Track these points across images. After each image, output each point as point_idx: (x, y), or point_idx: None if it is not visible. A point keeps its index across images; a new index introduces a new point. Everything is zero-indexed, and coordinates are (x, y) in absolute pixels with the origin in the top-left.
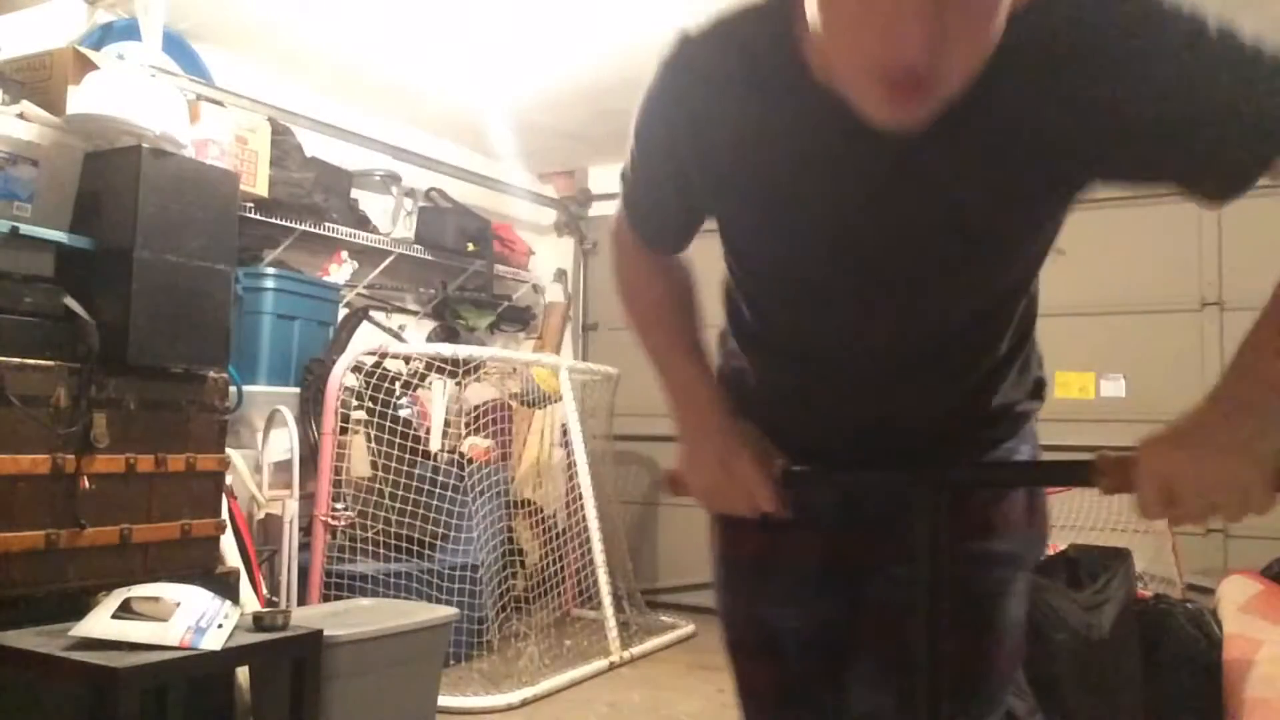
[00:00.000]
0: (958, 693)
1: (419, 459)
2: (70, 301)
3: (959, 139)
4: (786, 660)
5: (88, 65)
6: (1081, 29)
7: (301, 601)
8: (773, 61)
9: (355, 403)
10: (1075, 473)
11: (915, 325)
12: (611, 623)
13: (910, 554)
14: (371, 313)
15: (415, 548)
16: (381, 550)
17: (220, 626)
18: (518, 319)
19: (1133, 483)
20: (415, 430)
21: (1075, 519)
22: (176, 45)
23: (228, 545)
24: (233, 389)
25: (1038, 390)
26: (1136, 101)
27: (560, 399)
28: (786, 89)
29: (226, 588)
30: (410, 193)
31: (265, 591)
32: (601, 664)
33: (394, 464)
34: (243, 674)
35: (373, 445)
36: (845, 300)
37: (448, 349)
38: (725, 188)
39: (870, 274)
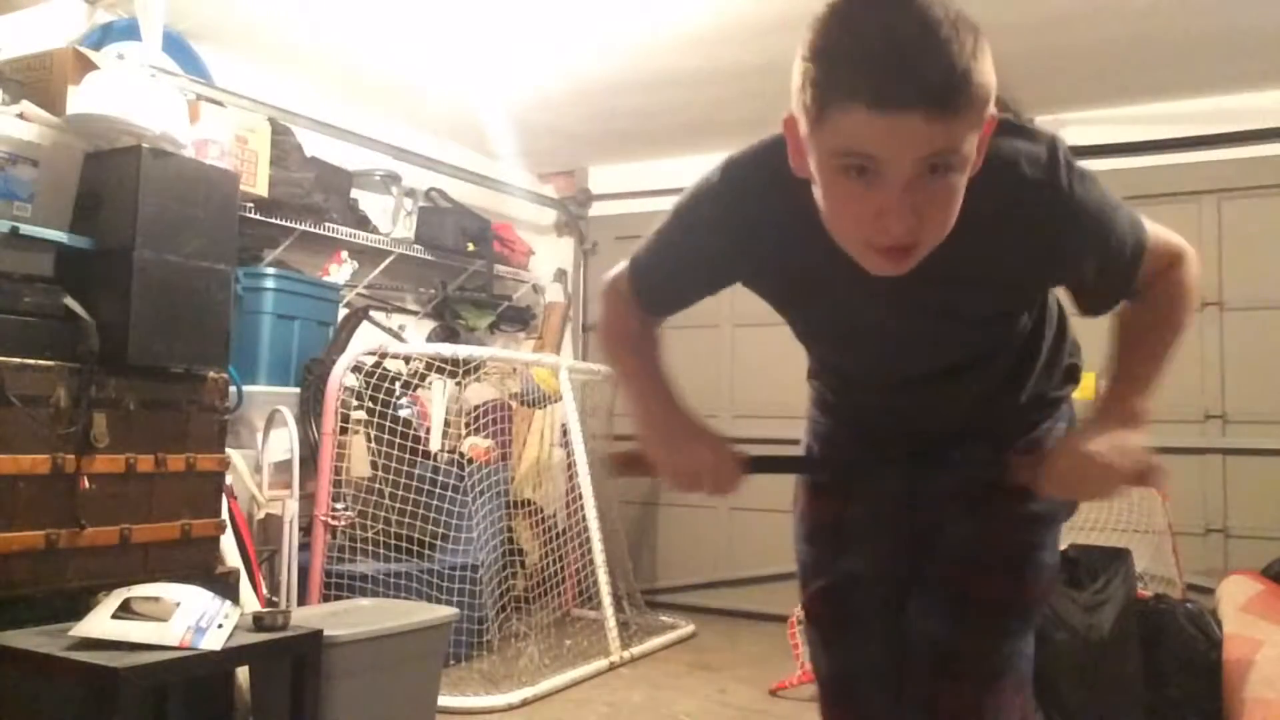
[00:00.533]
0: (997, 616)
1: (419, 459)
2: (70, 301)
3: (942, 264)
4: (856, 595)
5: (88, 65)
6: (1019, 204)
7: (301, 601)
8: (791, 214)
9: (355, 403)
10: (992, 469)
11: (938, 365)
12: (611, 623)
13: (958, 513)
14: (371, 313)
15: (415, 548)
16: (381, 550)
17: (220, 626)
18: (518, 319)
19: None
20: (415, 430)
21: (1075, 519)
22: (176, 45)
23: (228, 545)
24: (233, 389)
25: (1070, 375)
26: (1048, 253)
27: (560, 399)
28: (813, 240)
29: (226, 588)
30: (410, 193)
31: (265, 591)
32: (601, 664)
33: (394, 464)
34: (243, 674)
35: (373, 445)
36: (884, 357)
37: (448, 349)
38: (777, 291)
39: (899, 342)
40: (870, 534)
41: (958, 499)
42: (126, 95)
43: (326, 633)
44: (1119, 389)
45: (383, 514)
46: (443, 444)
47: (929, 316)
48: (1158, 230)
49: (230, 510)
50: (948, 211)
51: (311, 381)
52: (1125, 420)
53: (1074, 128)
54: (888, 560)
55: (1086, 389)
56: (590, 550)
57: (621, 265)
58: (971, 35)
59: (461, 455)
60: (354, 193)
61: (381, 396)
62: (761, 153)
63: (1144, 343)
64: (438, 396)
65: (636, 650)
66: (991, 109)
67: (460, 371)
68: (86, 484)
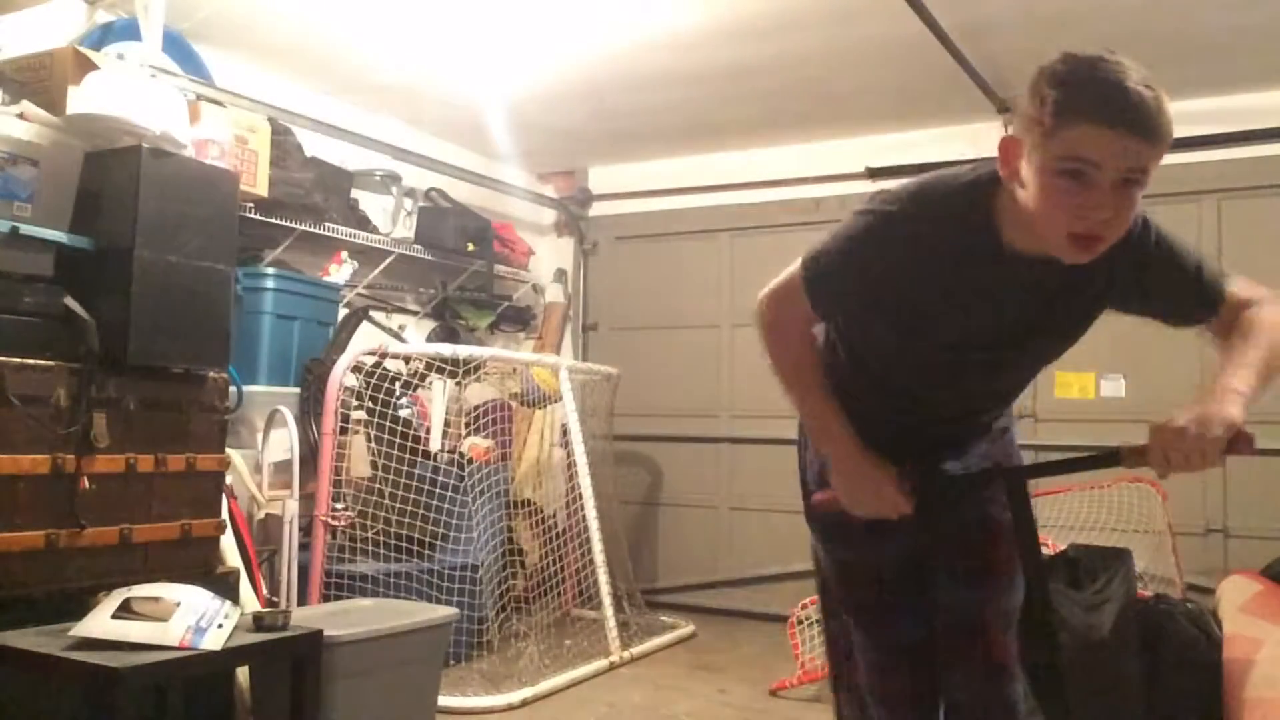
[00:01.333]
0: (1008, 575)
1: (419, 459)
2: (70, 301)
3: (1074, 276)
4: (887, 580)
5: (88, 65)
6: (1142, 246)
7: (301, 601)
8: (978, 236)
9: (355, 403)
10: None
11: (1001, 385)
12: (611, 623)
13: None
14: (371, 313)
15: (415, 548)
16: (381, 550)
17: (220, 626)
18: (518, 319)
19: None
20: (415, 430)
21: (1075, 519)
22: (176, 45)
23: (228, 545)
24: (233, 389)
25: None
26: (1159, 284)
27: (560, 399)
28: (988, 255)
29: (226, 588)
30: (410, 193)
31: (265, 591)
32: (601, 664)
33: (394, 464)
34: (243, 674)
35: (373, 445)
36: (968, 370)
37: (448, 349)
38: (924, 302)
39: (996, 354)
40: (899, 526)
41: (962, 491)
42: (126, 95)
43: (326, 633)
44: (1219, 379)
45: (383, 514)
46: (443, 444)
47: (1043, 322)
48: (1241, 277)
49: (230, 510)
50: (1128, 216)
51: (311, 381)
52: (1217, 398)
53: None
54: (914, 547)
55: (1085, 389)
56: (590, 550)
57: (787, 274)
58: (1165, 95)
59: (461, 455)
60: (354, 193)
61: (381, 396)
62: (952, 187)
63: (1235, 349)
64: (438, 396)
65: (636, 650)
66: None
67: (460, 371)
68: (86, 484)
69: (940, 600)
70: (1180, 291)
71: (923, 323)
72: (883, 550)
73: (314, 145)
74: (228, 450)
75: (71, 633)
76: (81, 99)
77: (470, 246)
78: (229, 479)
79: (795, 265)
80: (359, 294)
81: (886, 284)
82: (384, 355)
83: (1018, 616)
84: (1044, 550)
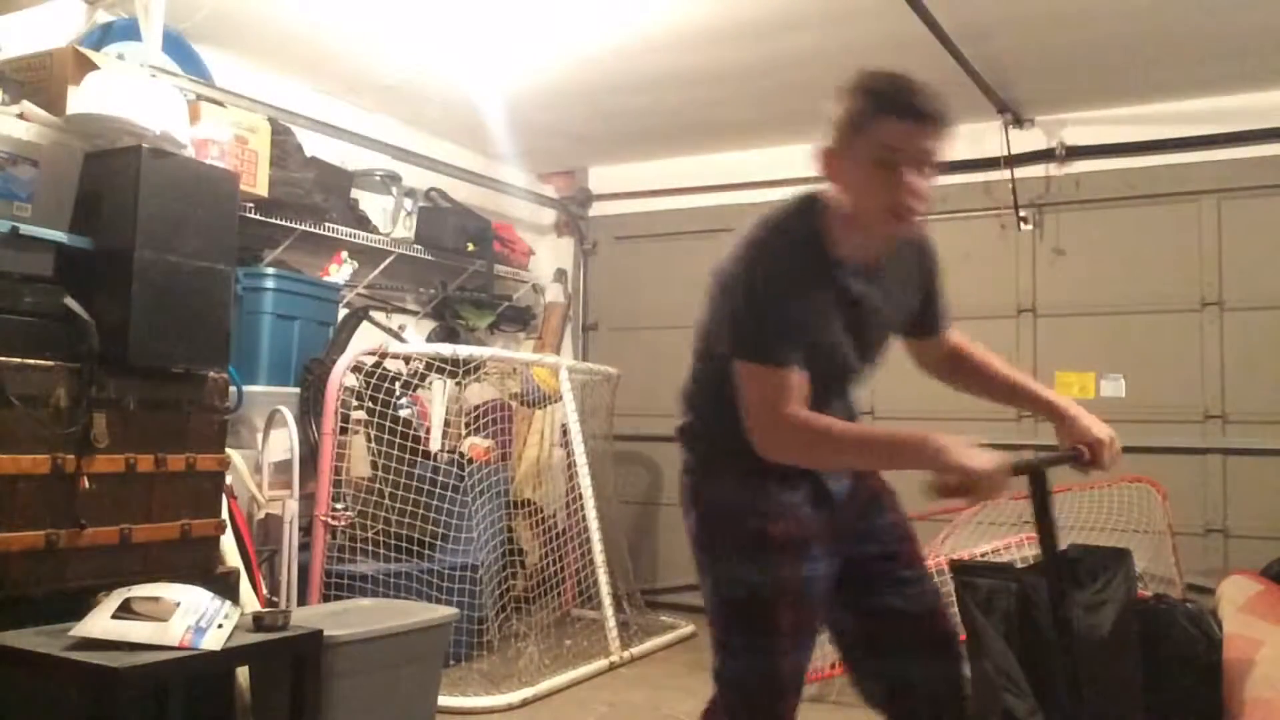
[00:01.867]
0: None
1: (419, 459)
2: (70, 301)
3: (891, 280)
4: (814, 601)
5: (88, 65)
6: (925, 246)
7: (301, 601)
8: (814, 249)
9: (355, 403)
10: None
11: (869, 364)
12: (611, 623)
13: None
14: (371, 313)
15: (415, 548)
16: (381, 550)
17: (220, 626)
18: (518, 319)
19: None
20: (415, 430)
21: (1075, 519)
22: (176, 45)
23: (228, 545)
24: (233, 389)
25: None
26: (932, 279)
27: (560, 399)
28: (821, 264)
29: (226, 588)
30: (410, 193)
31: (265, 591)
32: (601, 664)
33: (394, 464)
34: (243, 674)
35: (373, 445)
36: (849, 355)
37: (448, 349)
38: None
39: (861, 347)
40: (822, 545)
41: (872, 501)
42: (126, 95)
43: (326, 633)
44: (1049, 397)
45: (383, 514)
46: (443, 444)
47: (882, 319)
48: None
49: (230, 510)
50: (927, 195)
51: (311, 381)
52: (1083, 413)
53: (1074, 128)
54: (838, 561)
55: (1085, 389)
56: (590, 550)
57: (760, 385)
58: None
59: (461, 455)
60: (354, 193)
61: (381, 396)
62: (784, 215)
63: (1001, 369)
64: (438, 396)
65: (636, 650)
66: None
67: (460, 371)
68: (86, 484)
69: (883, 603)
70: (940, 302)
71: (820, 341)
72: (816, 569)
73: (314, 145)
74: (228, 450)
75: (71, 633)
76: (81, 99)
77: (470, 246)
78: (229, 479)
79: (757, 369)
80: (359, 294)
81: (818, 305)
82: (384, 355)
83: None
84: None
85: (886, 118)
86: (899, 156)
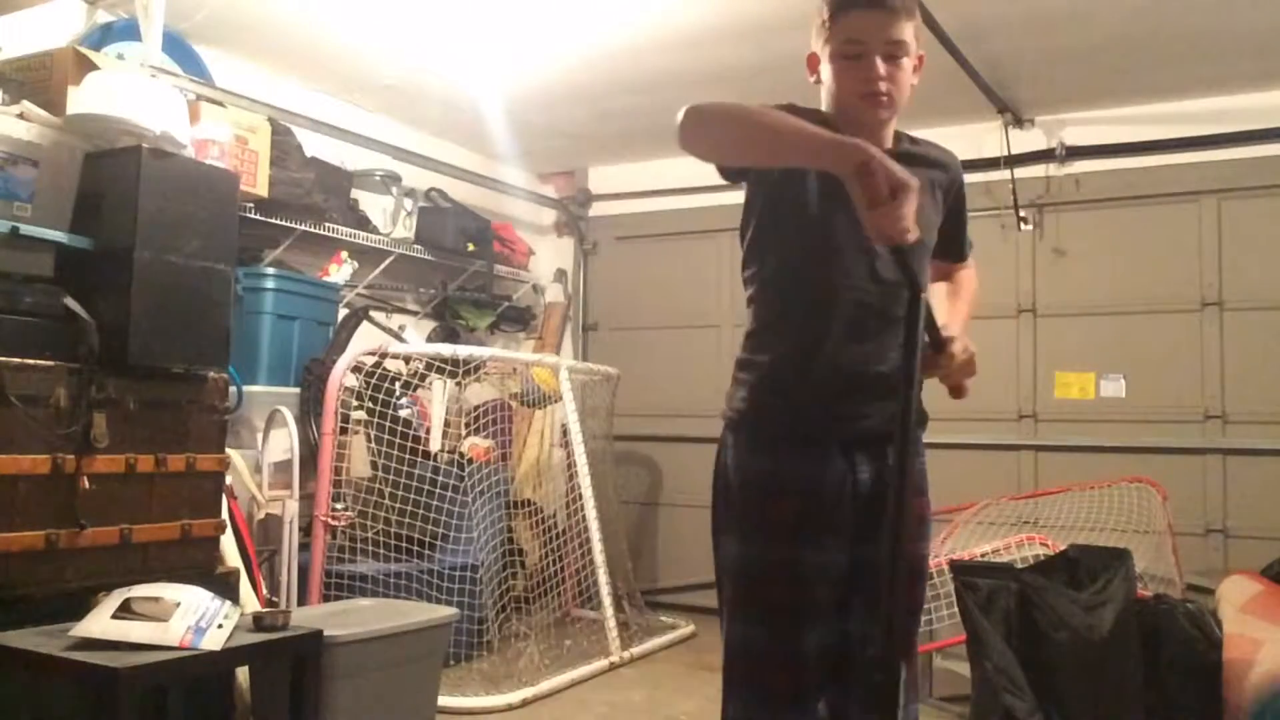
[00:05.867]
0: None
1: (419, 459)
2: (70, 301)
3: (905, 166)
4: (811, 587)
5: (88, 65)
6: (947, 159)
7: (301, 601)
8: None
9: (355, 403)
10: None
11: (886, 277)
12: (611, 623)
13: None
14: (371, 313)
15: (415, 548)
16: (381, 550)
17: (220, 626)
18: (518, 319)
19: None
20: (415, 430)
21: (1075, 519)
22: (176, 45)
23: (228, 545)
24: (233, 389)
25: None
26: (956, 196)
27: (560, 399)
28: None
29: (226, 588)
30: (410, 193)
31: (265, 591)
32: (601, 664)
33: (394, 464)
34: (243, 674)
35: (373, 445)
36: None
37: (448, 349)
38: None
39: (870, 249)
40: (825, 530)
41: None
42: (126, 95)
43: (326, 633)
44: (962, 310)
45: (383, 514)
46: (443, 444)
47: None
48: None
49: (230, 510)
50: (903, 80)
51: (311, 381)
52: (966, 330)
53: (1074, 128)
54: (843, 548)
55: (1085, 389)
56: (590, 550)
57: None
58: None
59: (461, 455)
60: (354, 193)
61: (381, 396)
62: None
63: (966, 290)
64: (438, 396)
65: (636, 650)
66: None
67: (460, 371)
68: (86, 484)
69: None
70: (961, 231)
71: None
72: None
73: (314, 145)
74: (228, 450)
75: (71, 633)
76: (81, 99)
77: (470, 246)
78: (229, 479)
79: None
80: (359, 294)
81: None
82: (384, 355)
83: None
84: (1044, 550)
85: (848, 11)
86: (865, 48)
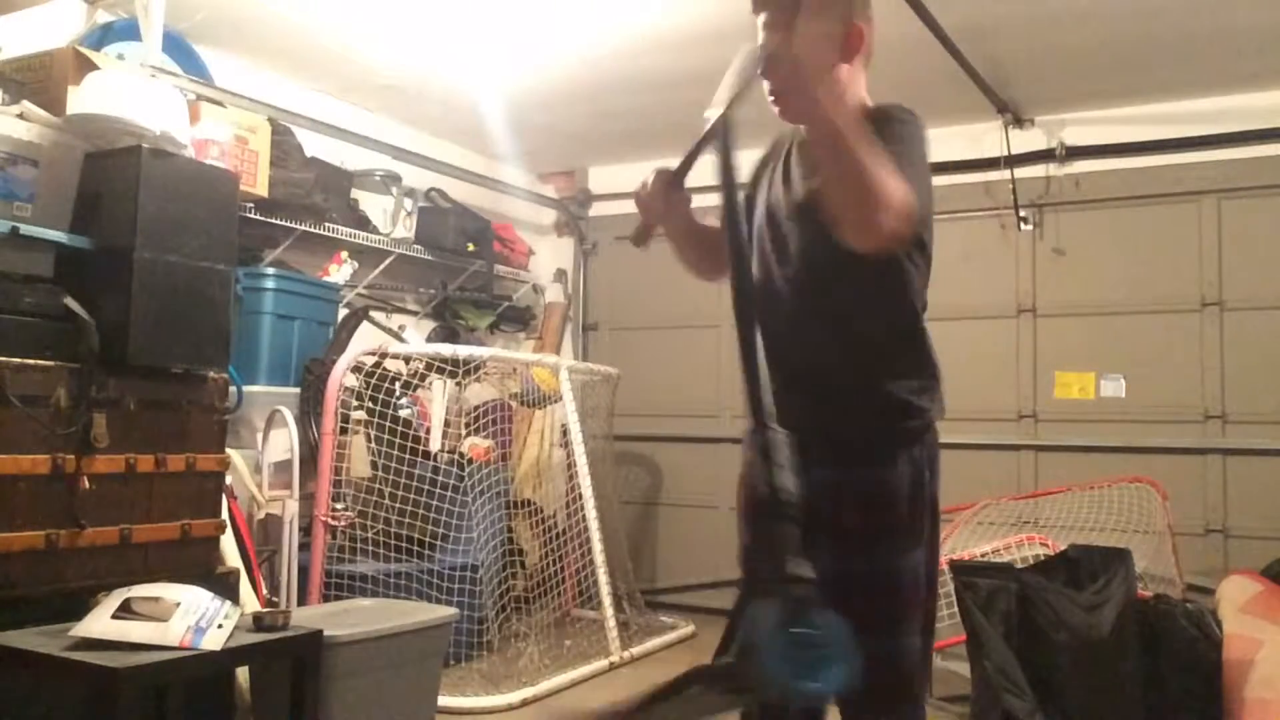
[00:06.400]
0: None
1: (419, 459)
2: (70, 301)
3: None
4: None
5: (88, 65)
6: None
7: (301, 601)
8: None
9: (355, 403)
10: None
11: (801, 268)
12: (611, 623)
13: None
14: (371, 313)
15: (415, 548)
16: (381, 550)
17: (220, 626)
18: (518, 319)
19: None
20: (415, 430)
21: (1075, 519)
22: (176, 45)
23: (228, 545)
24: (233, 389)
25: (901, 410)
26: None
27: (560, 399)
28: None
29: (226, 588)
30: (410, 193)
31: (265, 591)
32: (601, 664)
33: (394, 464)
34: (243, 674)
35: (373, 445)
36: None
37: (448, 349)
38: None
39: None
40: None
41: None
42: (126, 95)
43: (326, 633)
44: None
45: (383, 514)
46: (443, 444)
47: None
48: None
49: (230, 510)
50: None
51: (311, 381)
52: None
53: (1074, 128)
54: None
55: (1085, 389)
56: (590, 550)
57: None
58: None
59: (461, 455)
60: (354, 193)
61: (381, 396)
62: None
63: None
64: (438, 396)
65: (636, 650)
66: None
67: (460, 371)
68: (86, 484)
69: None
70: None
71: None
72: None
73: (314, 145)
74: (228, 450)
75: (71, 633)
76: (81, 99)
77: (470, 246)
78: (229, 479)
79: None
80: (359, 294)
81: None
82: (384, 355)
83: None
84: (1044, 550)
85: None
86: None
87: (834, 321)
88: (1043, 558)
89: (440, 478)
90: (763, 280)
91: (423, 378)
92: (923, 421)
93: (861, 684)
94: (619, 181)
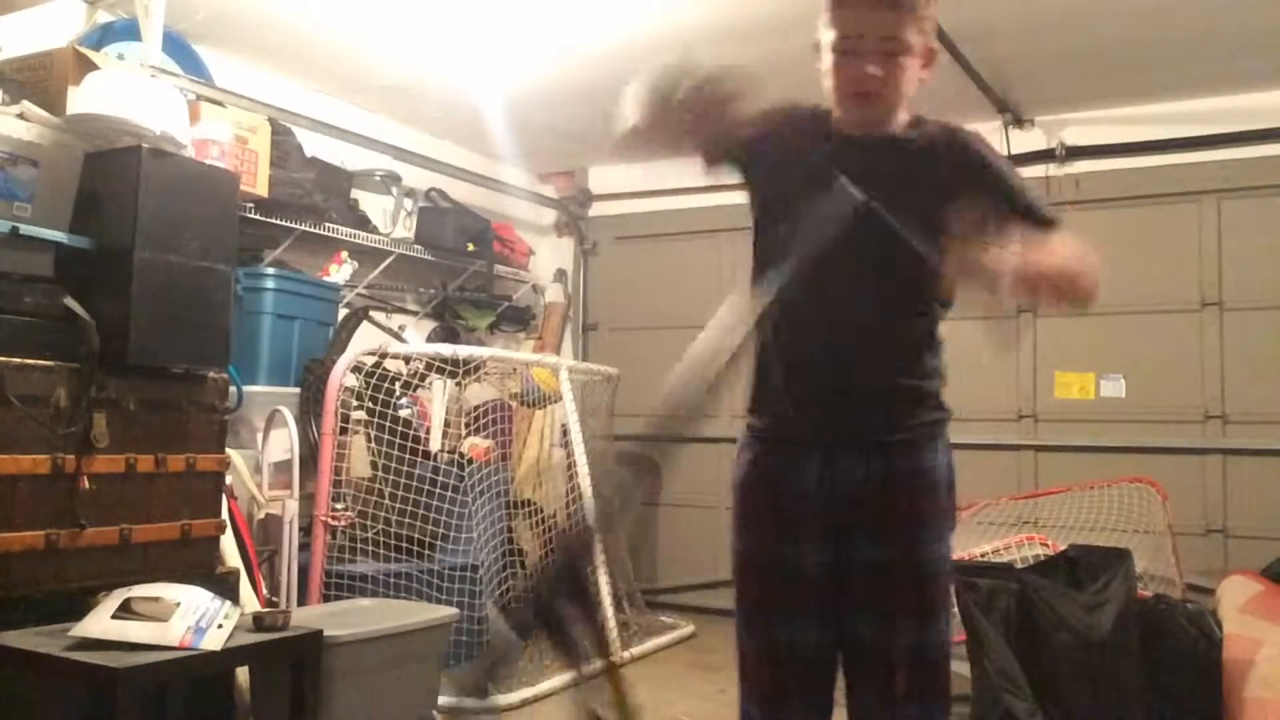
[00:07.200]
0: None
1: (419, 459)
2: (70, 301)
3: (895, 157)
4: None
5: (88, 65)
6: (946, 134)
7: (301, 601)
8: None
9: (355, 403)
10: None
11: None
12: (611, 623)
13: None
14: (371, 313)
15: (415, 548)
16: (381, 550)
17: (220, 626)
18: (518, 319)
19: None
20: (415, 430)
21: (1075, 519)
22: (176, 45)
23: (228, 545)
24: (233, 389)
25: (935, 401)
26: (967, 176)
27: (560, 399)
28: (817, 123)
29: (226, 588)
30: (410, 193)
31: (265, 591)
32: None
33: (394, 464)
34: (243, 674)
35: (373, 445)
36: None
37: (448, 349)
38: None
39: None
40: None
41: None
42: (126, 95)
43: (326, 633)
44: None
45: (383, 514)
46: (443, 444)
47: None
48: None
49: (230, 510)
50: (899, 79)
51: (311, 381)
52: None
53: (1074, 128)
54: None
55: (1085, 389)
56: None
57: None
58: None
59: (461, 455)
60: (354, 193)
61: (381, 396)
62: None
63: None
64: (438, 396)
65: (637, 650)
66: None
67: (460, 371)
68: (86, 484)
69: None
70: (1012, 201)
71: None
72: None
73: (314, 145)
74: (228, 450)
75: (71, 633)
76: (81, 99)
77: (470, 246)
78: (229, 479)
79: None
80: (359, 294)
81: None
82: (384, 355)
83: None
84: (1044, 550)
85: (844, 4)
86: (853, 43)
87: (900, 322)
88: (1043, 558)
89: (440, 478)
90: (816, 280)
91: (423, 378)
92: (948, 415)
93: (905, 672)
94: (619, 181)
